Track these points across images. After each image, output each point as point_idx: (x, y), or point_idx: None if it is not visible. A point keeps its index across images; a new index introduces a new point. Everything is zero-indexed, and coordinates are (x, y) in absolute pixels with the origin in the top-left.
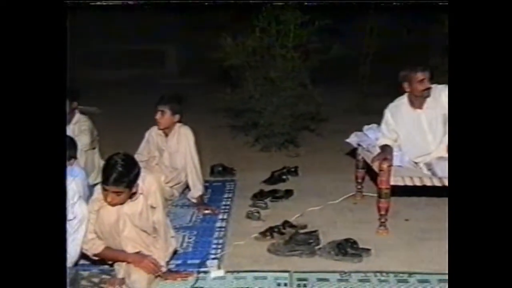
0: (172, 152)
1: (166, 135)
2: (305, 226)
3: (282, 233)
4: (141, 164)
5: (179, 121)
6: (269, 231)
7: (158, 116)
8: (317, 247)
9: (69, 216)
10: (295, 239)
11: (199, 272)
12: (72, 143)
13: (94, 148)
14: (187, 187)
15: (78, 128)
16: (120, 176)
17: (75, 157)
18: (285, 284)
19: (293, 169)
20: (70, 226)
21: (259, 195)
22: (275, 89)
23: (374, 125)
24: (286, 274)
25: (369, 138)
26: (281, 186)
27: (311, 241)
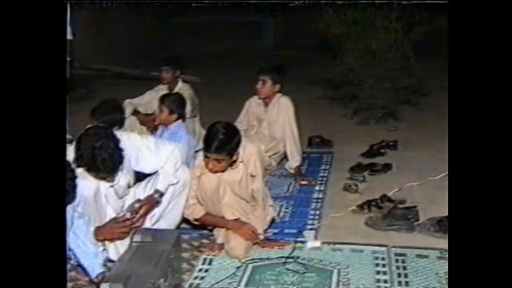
0: (271, 122)
1: (266, 104)
2: (403, 201)
3: (380, 207)
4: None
5: (279, 91)
6: (367, 205)
7: (259, 85)
8: (416, 223)
9: (173, 180)
10: (393, 213)
11: (296, 242)
12: (181, 101)
13: (195, 116)
14: (284, 157)
15: None
16: (222, 144)
17: (183, 117)
18: (383, 259)
19: (392, 143)
20: (174, 190)
21: (357, 168)
22: (375, 61)
23: None
24: (384, 249)
25: None
26: (379, 160)
27: (410, 216)
